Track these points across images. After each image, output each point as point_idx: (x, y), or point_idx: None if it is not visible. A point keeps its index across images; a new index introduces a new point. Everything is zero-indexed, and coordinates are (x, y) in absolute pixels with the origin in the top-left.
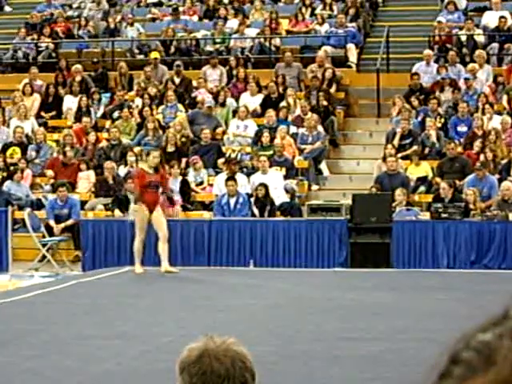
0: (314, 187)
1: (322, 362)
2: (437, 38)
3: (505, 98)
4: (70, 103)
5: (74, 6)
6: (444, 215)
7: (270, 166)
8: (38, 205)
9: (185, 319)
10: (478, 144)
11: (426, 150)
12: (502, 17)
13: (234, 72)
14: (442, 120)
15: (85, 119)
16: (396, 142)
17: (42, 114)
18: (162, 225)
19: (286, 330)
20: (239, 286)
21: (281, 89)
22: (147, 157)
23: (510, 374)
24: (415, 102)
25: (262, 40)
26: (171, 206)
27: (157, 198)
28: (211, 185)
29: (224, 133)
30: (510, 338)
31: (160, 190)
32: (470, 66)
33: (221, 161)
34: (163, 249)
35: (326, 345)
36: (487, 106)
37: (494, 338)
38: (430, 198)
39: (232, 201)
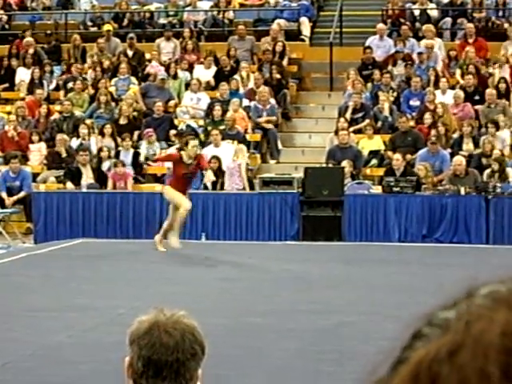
0: (272, 161)
1: (276, 335)
2: (390, 12)
3: (458, 72)
4: (23, 75)
5: None
6: (396, 189)
7: (223, 139)
8: None
9: (137, 292)
10: (428, 117)
11: (379, 124)
12: None
13: (188, 44)
14: (395, 94)
15: (37, 91)
16: (348, 115)
17: None
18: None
19: (239, 302)
20: (191, 259)
21: (232, 61)
22: (186, 146)
23: (464, 334)
24: (369, 76)
25: (215, 13)
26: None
27: (188, 188)
28: None
29: (176, 105)
30: (470, 314)
31: (193, 179)
32: (427, 42)
33: (173, 133)
34: (178, 222)
35: (280, 318)
36: (443, 80)
37: (454, 314)
38: (381, 171)
39: None
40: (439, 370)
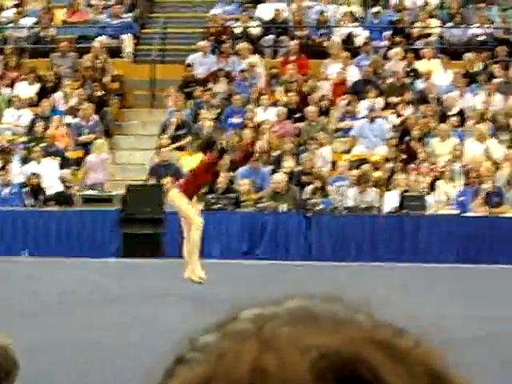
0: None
1: (92, 351)
2: (213, 30)
3: (280, 89)
4: None
5: None
6: (217, 206)
7: (45, 156)
8: None
9: None
10: (248, 133)
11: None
12: (277, 9)
13: (11, 61)
14: (218, 111)
15: None
16: (170, 132)
17: None
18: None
19: (56, 319)
20: (12, 277)
21: (54, 78)
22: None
23: (216, 367)
24: (190, 93)
25: (37, 30)
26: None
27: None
28: None
29: None
30: (227, 338)
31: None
32: (250, 60)
33: None
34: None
35: (99, 334)
36: (265, 97)
37: (214, 338)
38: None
39: (5, 190)
40: None
